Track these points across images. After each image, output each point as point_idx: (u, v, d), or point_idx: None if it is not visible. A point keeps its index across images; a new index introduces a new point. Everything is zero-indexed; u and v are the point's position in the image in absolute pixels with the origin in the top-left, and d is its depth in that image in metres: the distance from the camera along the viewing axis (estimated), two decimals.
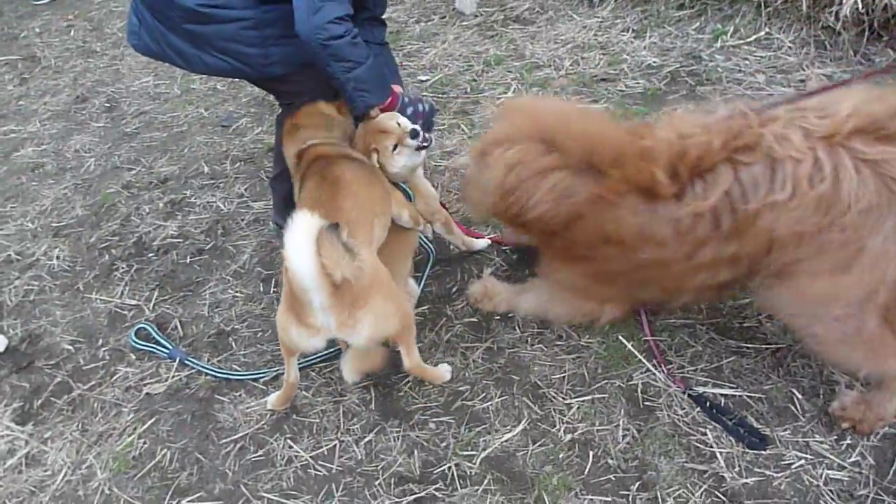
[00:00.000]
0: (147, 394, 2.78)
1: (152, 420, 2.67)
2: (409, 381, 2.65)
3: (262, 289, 3.17)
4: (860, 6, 3.91)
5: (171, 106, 4.82)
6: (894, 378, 2.14)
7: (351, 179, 2.51)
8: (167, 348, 2.90)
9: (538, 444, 2.40)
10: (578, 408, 2.48)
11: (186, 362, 2.83)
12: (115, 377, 2.87)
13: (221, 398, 2.70)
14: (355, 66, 2.53)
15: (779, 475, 2.20)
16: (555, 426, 2.44)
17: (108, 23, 6.35)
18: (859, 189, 1.85)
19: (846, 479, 2.17)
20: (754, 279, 2.15)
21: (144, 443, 2.60)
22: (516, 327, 2.79)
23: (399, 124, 2.69)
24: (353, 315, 2.19)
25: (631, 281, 2.39)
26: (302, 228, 1.99)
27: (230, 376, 2.77)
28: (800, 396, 2.39)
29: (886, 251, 1.87)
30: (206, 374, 2.79)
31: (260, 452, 2.51)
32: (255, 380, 2.74)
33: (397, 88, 2.82)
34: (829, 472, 2.19)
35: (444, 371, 2.64)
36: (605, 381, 2.55)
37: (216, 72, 2.85)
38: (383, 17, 3.01)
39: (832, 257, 1.93)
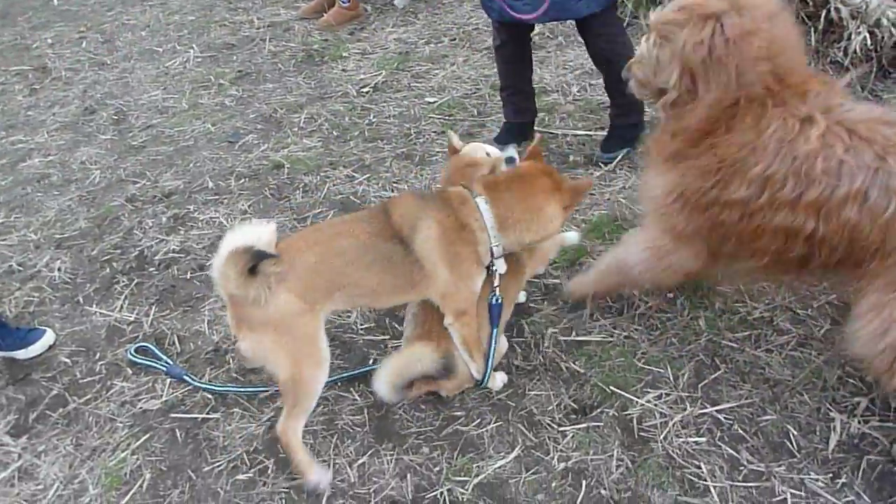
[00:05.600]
0: (142, 409, 2.78)
1: (146, 436, 2.67)
2: (403, 405, 2.64)
3: None
4: (869, 42, 3.92)
5: (179, 120, 4.86)
6: None
7: (345, 252, 2.31)
8: (167, 364, 2.90)
9: (531, 471, 2.38)
10: (573, 436, 2.47)
11: (185, 378, 2.83)
12: (111, 391, 2.88)
13: (216, 415, 2.70)
14: None
15: None
16: (549, 454, 2.43)
17: (120, 35, 6.41)
18: None
19: None
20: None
21: (137, 459, 2.59)
22: (517, 354, 2.78)
23: (488, 154, 2.64)
24: (238, 327, 2.26)
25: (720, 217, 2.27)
26: (236, 236, 2.15)
27: (229, 390, 2.77)
28: (795, 433, 2.37)
29: None
30: (205, 390, 2.79)
31: (252, 472, 2.50)
32: (252, 396, 2.74)
33: None
34: None
35: (313, 475, 2.39)
36: (601, 409, 2.54)
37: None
38: None
39: None
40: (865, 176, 1.97)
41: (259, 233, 2.18)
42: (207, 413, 2.72)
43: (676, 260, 2.48)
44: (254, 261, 2.11)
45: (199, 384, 2.81)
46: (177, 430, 2.68)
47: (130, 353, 2.98)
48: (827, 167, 2.01)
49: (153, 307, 3.26)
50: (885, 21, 3.83)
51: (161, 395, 2.82)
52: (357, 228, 2.35)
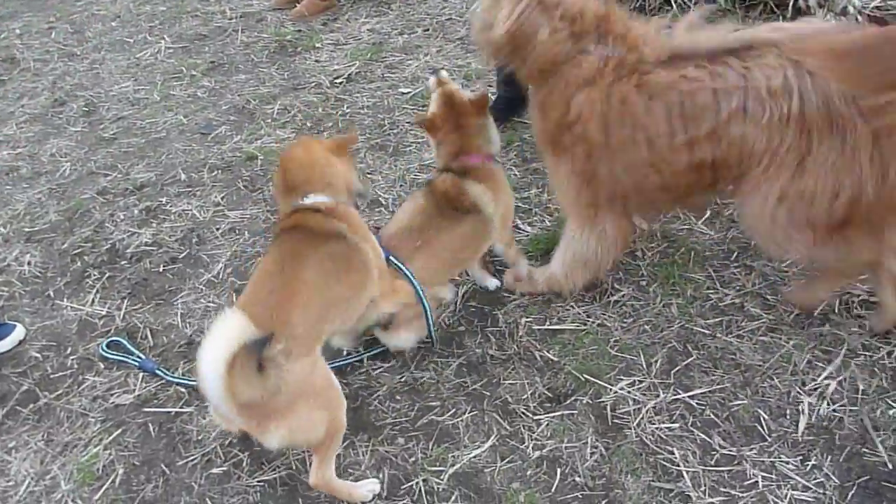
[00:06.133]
0: (114, 404, 2.75)
1: (119, 431, 2.65)
2: (378, 395, 2.65)
3: (235, 299, 3.15)
4: None
5: (150, 112, 4.79)
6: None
7: (312, 280, 2.21)
8: (139, 359, 2.87)
9: (506, 460, 2.40)
10: (548, 424, 2.49)
11: (158, 372, 2.80)
12: (82, 386, 2.84)
13: (189, 409, 2.68)
14: None
15: (744, 495, 2.21)
16: (523, 443, 2.44)
17: (90, 26, 6.31)
18: None
19: (811, 499, 2.19)
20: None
21: (110, 454, 2.57)
22: (491, 344, 2.79)
23: None
24: (263, 426, 2.07)
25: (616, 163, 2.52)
26: (221, 340, 1.88)
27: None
28: (766, 417, 2.41)
29: None
30: (179, 384, 2.76)
31: (227, 465, 2.49)
32: None
33: None
34: (794, 492, 2.20)
35: (364, 490, 2.34)
36: (575, 397, 2.56)
37: None
38: None
39: None
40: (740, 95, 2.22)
41: (237, 327, 1.91)
42: (181, 407, 2.70)
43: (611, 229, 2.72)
44: (258, 356, 1.89)
45: (172, 378, 2.78)
46: (150, 425, 2.66)
47: (102, 348, 2.95)
48: (705, 100, 2.27)
49: (125, 301, 3.22)
50: (851, 9, 3.88)
51: (134, 390, 2.80)
52: (311, 268, 2.24)
